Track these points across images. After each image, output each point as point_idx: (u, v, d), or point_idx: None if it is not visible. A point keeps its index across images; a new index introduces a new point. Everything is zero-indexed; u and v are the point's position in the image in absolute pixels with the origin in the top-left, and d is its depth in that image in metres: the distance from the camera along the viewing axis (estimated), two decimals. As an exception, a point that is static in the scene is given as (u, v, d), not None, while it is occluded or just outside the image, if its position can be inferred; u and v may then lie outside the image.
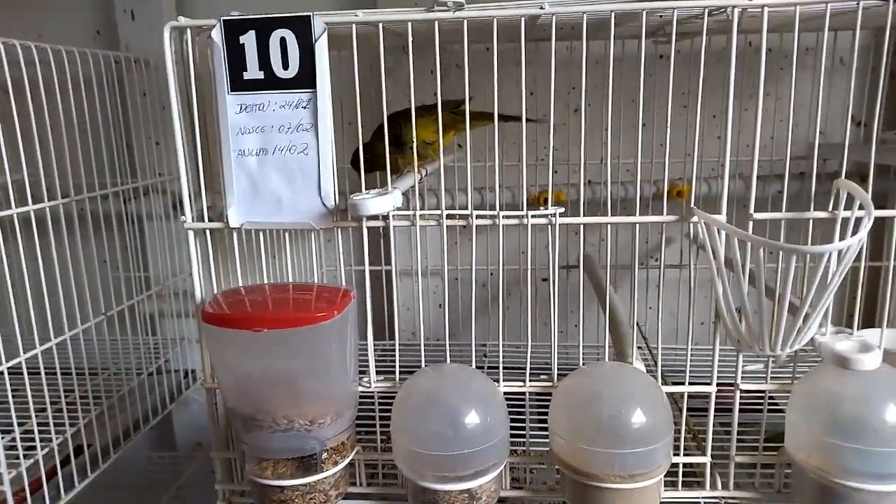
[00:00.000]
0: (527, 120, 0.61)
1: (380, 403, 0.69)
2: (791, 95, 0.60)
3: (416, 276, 0.65)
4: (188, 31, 0.61)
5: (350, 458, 0.66)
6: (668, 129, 0.60)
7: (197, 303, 0.67)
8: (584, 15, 0.57)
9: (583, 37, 0.58)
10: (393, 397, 0.65)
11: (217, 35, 0.59)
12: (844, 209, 0.61)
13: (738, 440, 0.67)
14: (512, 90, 0.61)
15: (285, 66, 0.59)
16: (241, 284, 0.67)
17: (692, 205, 0.62)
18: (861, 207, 0.58)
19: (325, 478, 0.63)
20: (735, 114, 0.58)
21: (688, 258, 0.65)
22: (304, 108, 0.60)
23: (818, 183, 0.63)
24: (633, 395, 0.61)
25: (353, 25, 0.59)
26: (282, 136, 0.61)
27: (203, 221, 0.66)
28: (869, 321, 0.73)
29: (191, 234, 0.66)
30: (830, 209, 0.61)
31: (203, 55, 0.62)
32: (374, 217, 0.62)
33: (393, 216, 0.63)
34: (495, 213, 0.62)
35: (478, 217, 0.62)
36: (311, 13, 0.58)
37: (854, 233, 0.56)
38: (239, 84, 0.60)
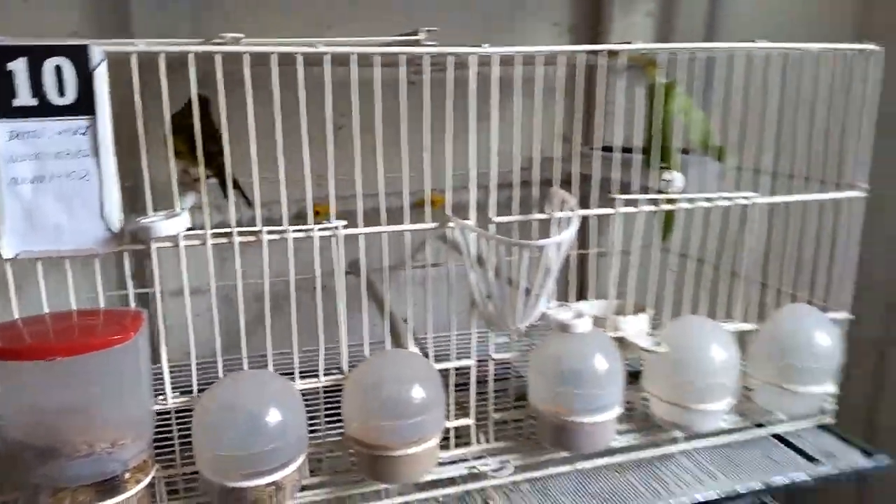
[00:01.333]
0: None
1: (176, 420, 0.71)
2: (530, 115, 0.76)
3: (210, 292, 0.69)
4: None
5: (152, 474, 0.67)
6: (429, 149, 0.72)
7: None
8: (354, 55, 0.67)
9: (352, 72, 0.67)
10: (189, 413, 0.68)
11: (-22, 61, 0.57)
12: (558, 210, 0.79)
13: (495, 402, 0.83)
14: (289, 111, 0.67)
15: (61, 93, 0.59)
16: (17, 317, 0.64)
17: (447, 212, 0.75)
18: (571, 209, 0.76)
19: (129, 497, 0.64)
20: (474, 134, 0.72)
21: (446, 257, 0.78)
22: (83, 134, 0.60)
23: (539, 190, 0.80)
24: (410, 375, 0.72)
25: (134, 55, 0.61)
26: (60, 163, 0.60)
27: (-33, 253, 0.62)
28: (582, 295, 0.93)
29: (-47, 266, 0.61)
30: (547, 211, 0.79)
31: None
32: (165, 239, 0.65)
33: (183, 237, 0.66)
34: (284, 228, 0.68)
35: (269, 233, 0.68)
36: (87, 42, 0.58)
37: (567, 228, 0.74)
38: (8, 111, 0.58)
